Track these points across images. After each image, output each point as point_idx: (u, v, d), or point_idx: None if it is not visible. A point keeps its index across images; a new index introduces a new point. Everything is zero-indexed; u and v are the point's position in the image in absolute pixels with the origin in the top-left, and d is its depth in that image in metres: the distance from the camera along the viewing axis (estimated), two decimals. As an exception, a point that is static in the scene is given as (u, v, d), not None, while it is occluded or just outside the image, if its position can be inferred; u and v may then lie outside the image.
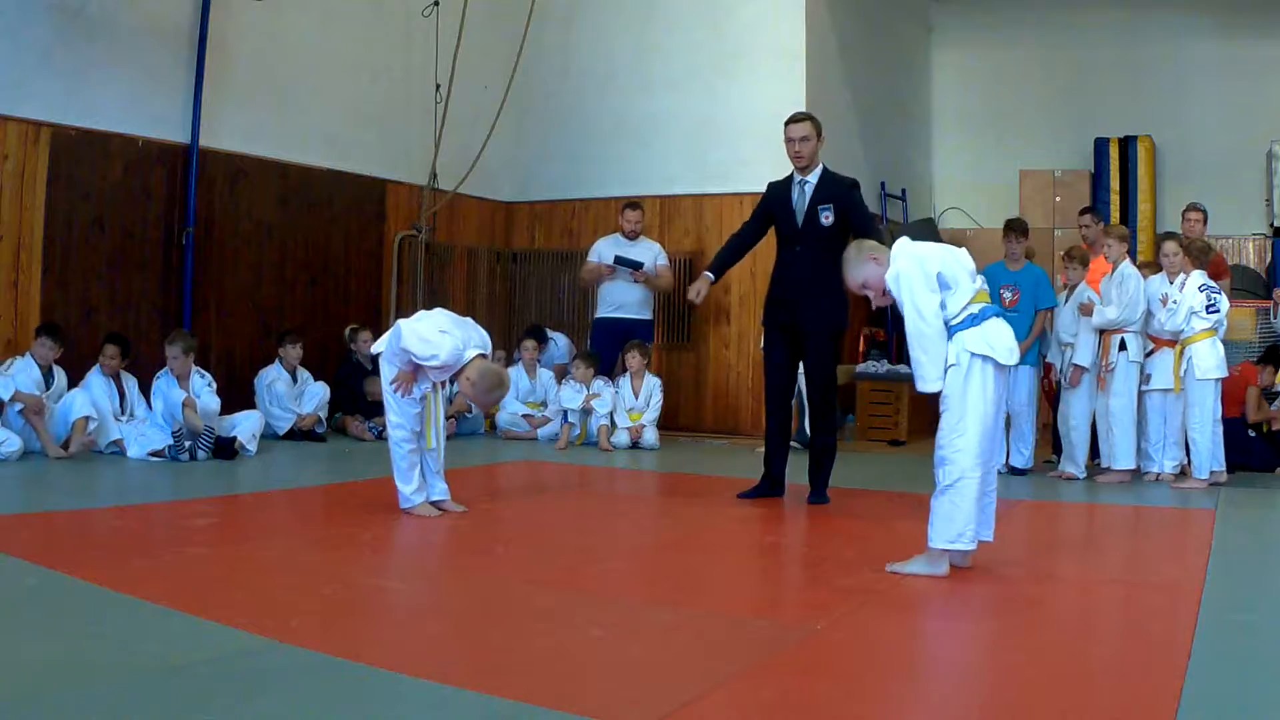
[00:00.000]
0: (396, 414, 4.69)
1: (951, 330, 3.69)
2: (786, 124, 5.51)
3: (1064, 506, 5.79)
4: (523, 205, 10.38)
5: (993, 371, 3.66)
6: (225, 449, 6.45)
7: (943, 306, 3.67)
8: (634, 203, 8.88)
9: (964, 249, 3.87)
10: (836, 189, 5.41)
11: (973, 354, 3.64)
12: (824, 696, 2.51)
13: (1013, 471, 6.82)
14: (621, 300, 8.61)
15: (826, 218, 5.34)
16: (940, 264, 3.69)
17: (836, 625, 3.12)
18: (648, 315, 8.75)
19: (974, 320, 3.68)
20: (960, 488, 3.62)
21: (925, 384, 3.70)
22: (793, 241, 5.45)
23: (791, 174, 5.54)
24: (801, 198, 5.44)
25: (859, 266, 3.88)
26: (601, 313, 8.73)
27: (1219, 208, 9.25)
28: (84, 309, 7.07)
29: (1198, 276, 6.31)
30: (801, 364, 5.63)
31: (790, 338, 5.47)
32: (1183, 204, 7.89)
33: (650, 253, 8.71)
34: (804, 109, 9.05)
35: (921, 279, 3.67)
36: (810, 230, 5.38)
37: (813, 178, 5.44)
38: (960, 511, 3.61)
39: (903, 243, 3.85)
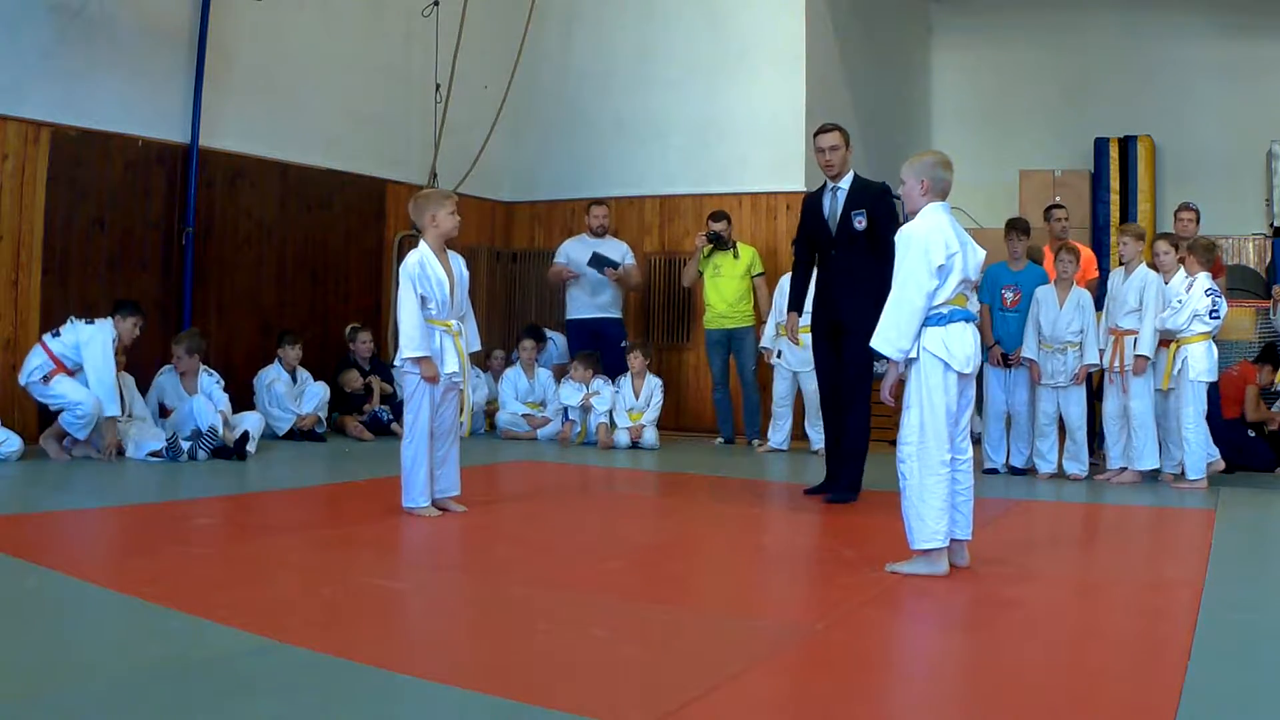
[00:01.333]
0: (414, 417, 4.70)
1: None
2: (815, 135, 5.61)
3: (1063, 506, 5.79)
4: (523, 205, 10.38)
5: (953, 374, 3.66)
6: (227, 451, 6.44)
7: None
8: (599, 200, 8.97)
9: (983, 252, 3.85)
10: (868, 194, 5.51)
11: (931, 354, 3.66)
12: (824, 696, 2.51)
13: (1012, 471, 6.82)
14: (591, 300, 8.66)
15: (860, 222, 5.44)
16: (946, 258, 3.66)
17: (836, 625, 3.12)
18: (617, 314, 8.82)
19: (940, 320, 3.68)
20: (924, 487, 3.62)
21: (883, 345, 3.71)
22: (829, 247, 5.57)
23: (824, 184, 5.64)
24: (834, 204, 5.55)
25: (912, 180, 3.83)
26: (572, 314, 8.82)
27: (1219, 208, 9.26)
28: (84, 309, 7.04)
29: (1204, 279, 6.30)
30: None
31: (835, 341, 5.52)
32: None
33: (619, 250, 8.76)
34: (804, 109, 9.11)
35: (925, 256, 3.65)
36: (844, 235, 5.48)
37: (844, 184, 5.55)
38: (930, 510, 3.61)
39: (937, 210, 3.79)
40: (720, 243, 8.31)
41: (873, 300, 5.28)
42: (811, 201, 5.72)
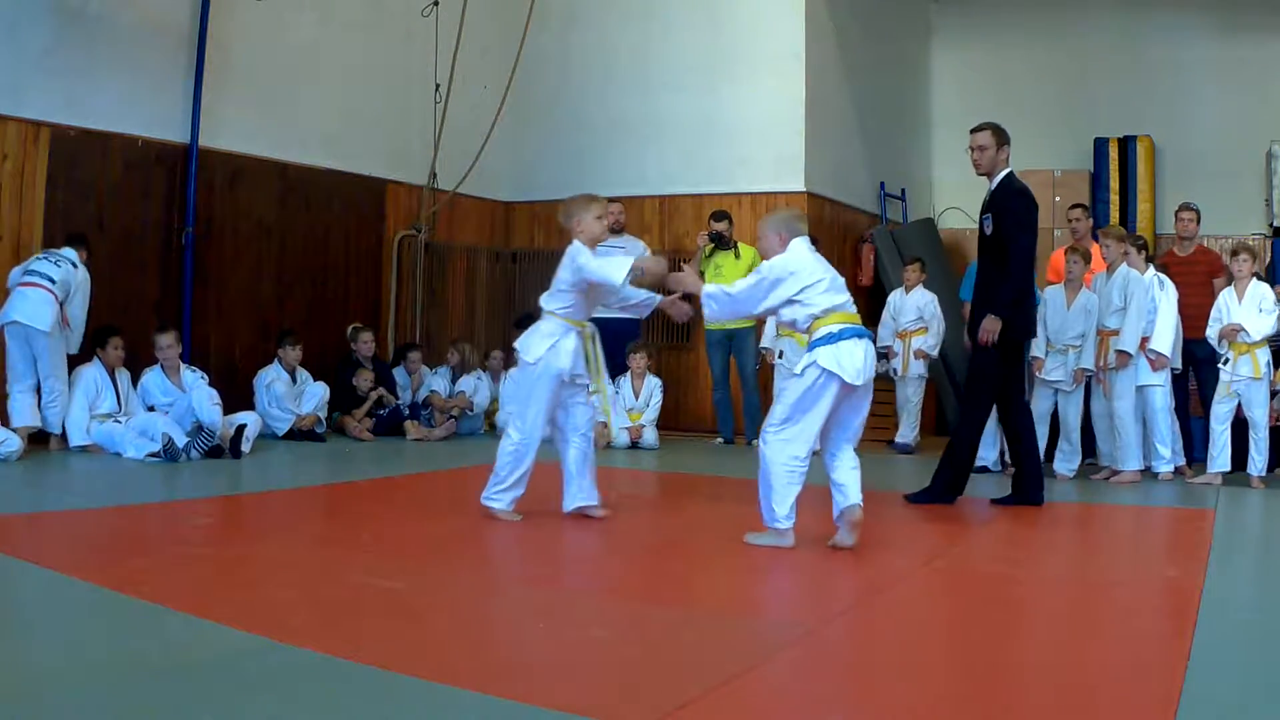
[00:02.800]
0: (523, 422, 4.64)
1: (811, 345, 4.08)
2: (970, 133, 5.50)
3: (1063, 506, 5.78)
4: (522, 205, 10.38)
5: (835, 387, 3.99)
6: (219, 451, 6.42)
7: (796, 313, 4.15)
8: (614, 198, 8.91)
9: (839, 280, 4.19)
10: (997, 197, 5.38)
11: (822, 369, 3.98)
12: (824, 696, 2.51)
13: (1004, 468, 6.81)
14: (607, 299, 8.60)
15: (988, 227, 5.35)
16: (800, 290, 4.09)
17: (836, 625, 3.12)
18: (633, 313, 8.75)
19: (831, 339, 4.01)
20: (778, 474, 4.02)
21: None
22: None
23: None
24: (983, 206, 5.49)
25: (768, 232, 4.28)
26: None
27: (1219, 208, 9.24)
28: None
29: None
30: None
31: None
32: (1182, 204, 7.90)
33: (635, 250, 8.71)
34: (803, 109, 9.10)
35: (774, 285, 4.12)
36: (981, 237, 5.42)
37: (993, 185, 5.42)
38: (782, 496, 4.02)
39: (796, 245, 4.21)
40: (722, 242, 8.31)
41: (985, 311, 5.27)
42: None
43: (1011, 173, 5.43)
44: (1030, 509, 5.42)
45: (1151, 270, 6.53)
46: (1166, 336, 6.43)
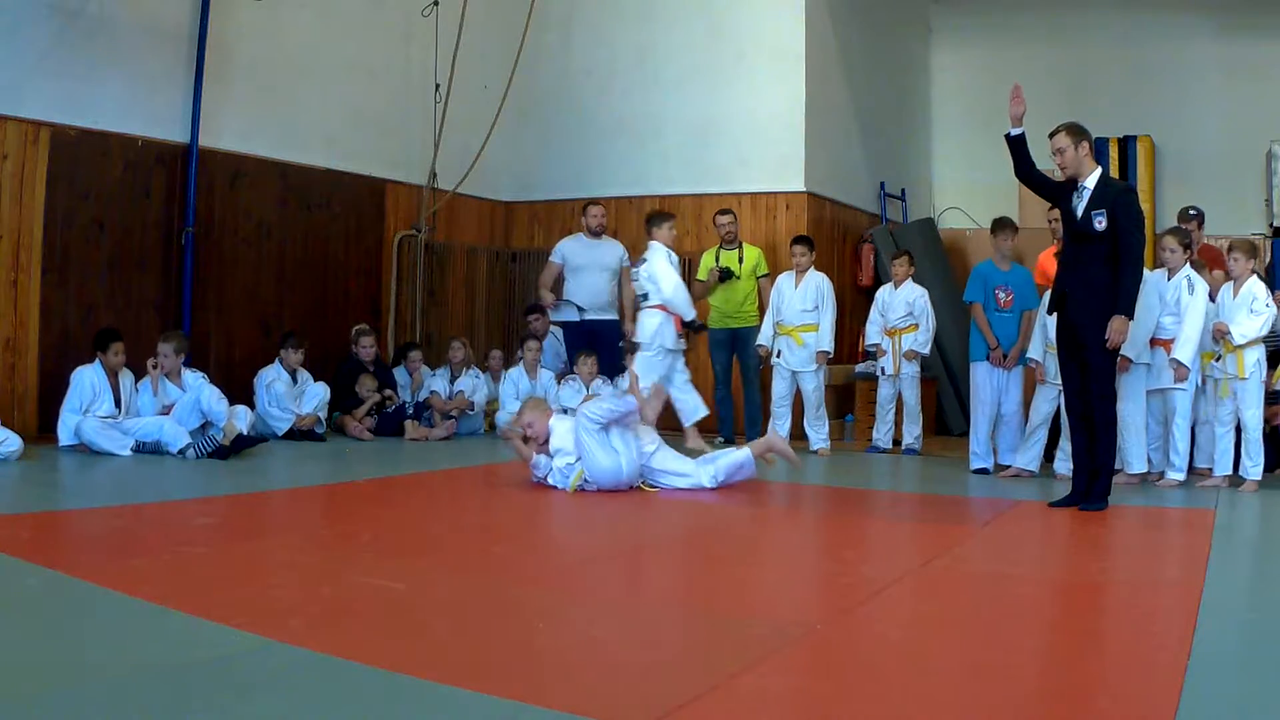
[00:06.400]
0: None
1: None
2: (1048, 138, 5.48)
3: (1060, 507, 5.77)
4: (522, 205, 10.38)
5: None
6: (225, 452, 6.42)
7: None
8: (595, 200, 8.93)
9: None
10: (1107, 194, 5.36)
11: None
12: (824, 696, 2.51)
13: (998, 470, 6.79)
14: (587, 302, 8.63)
15: (1100, 223, 5.31)
16: None
17: (836, 625, 3.12)
18: (614, 315, 8.75)
19: None
20: None
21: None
22: (1069, 238, 5.53)
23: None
24: (1079, 202, 5.42)
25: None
26: (567, 315, 8.76)
27: (1219, 208, 9.25)
28: (84, 309, 7.07)
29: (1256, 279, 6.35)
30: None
31: (1077, 353, 5.43)
32: (1182, 204, 7.88)
33: (615, 253, 8.71)
34: (803, 109, 9.11)
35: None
36: (1085, 232, 5.39)
37: (1089, 183, 5.39)
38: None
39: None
40: (728, 275, 8.32)
41: (1105, 309, 5.27)
42: (1066, 188, 5.52)
43: (1106, 170, 5.38)
44: (1036, 508, 5.43)
45: (1186, 268, 6.40)
46: (1190, 344, 6.23)
